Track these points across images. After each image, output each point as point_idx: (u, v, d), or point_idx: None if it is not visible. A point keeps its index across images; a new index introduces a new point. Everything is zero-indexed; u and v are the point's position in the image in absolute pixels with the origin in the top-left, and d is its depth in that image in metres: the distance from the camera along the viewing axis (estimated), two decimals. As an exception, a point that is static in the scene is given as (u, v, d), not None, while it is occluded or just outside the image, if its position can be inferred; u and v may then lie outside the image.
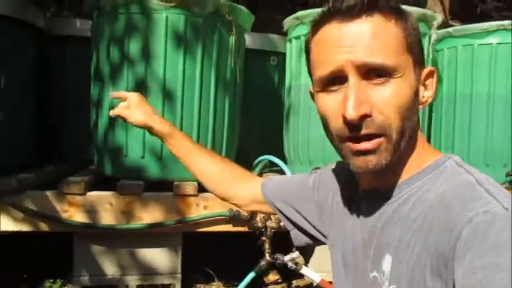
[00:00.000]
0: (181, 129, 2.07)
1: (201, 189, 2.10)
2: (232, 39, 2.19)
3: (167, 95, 2.06)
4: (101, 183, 2.20)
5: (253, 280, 2.09)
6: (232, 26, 2.16)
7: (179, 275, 2.15)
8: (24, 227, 1.97)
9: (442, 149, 2.56)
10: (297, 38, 2.35)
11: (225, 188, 1.09)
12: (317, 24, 0.72)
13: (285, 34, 2.60)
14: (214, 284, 2.33)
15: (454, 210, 0.61)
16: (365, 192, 0.78)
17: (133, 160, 2.08)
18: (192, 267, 2.29)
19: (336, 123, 0.69)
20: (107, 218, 2.01)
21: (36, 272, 2.29)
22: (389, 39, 0.67)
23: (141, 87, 2.05)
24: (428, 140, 2.59)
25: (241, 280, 2.08)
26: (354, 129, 0.67)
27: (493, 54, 2.36)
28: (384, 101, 0.66)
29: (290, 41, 2.44)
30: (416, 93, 0.70)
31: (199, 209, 2.07)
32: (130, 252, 2.10)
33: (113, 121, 2.10)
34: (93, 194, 2.01)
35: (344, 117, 0.66)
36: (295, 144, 2.36)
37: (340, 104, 0.67)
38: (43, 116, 2.63)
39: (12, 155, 2.28)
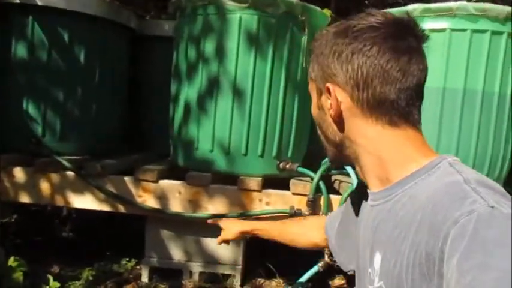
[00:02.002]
0: (248, 127, 2.14)
1: (265, 185, 2.15)
2: (304, 39, 2.21)
3: (237, 93, 2.14)
4: (174, 172, 2.35)
5: (317, 281, 2.08)
6: (304, 25, 2.18)
7: (240, 267, 2.23)
8: (105, 207, 2.18)
9: None
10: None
11: (310, 243, 1.27)
12: None
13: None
14: (275, 280, 2.36)
15: (441, 211, 0.62)
16: (370, 194, 0.83)
17: (203, 153, 2.20)
18: (254, 261, 2.35)
19: None
20: (176, 205, 2.15)
21: (116, 251, 2.51)
22: None
23: (213, 85, 2.16)
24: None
25: (300, 277, 2.08)
26: None
27: None
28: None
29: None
30: (318, 104, 0.84)
31: (261, 204, 2.12)
32: (195, 240, 2.22)
33: (187, 115, 2.23)
34: (164, 182, 2.16)
35: None
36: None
37: None
38: (133, 109, 2.88)
39: (103, 142, 2.55)
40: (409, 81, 0.75)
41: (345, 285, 2.49)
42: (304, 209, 2.07)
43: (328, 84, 0.78)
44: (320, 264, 2.01)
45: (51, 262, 2.40)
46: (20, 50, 2.31)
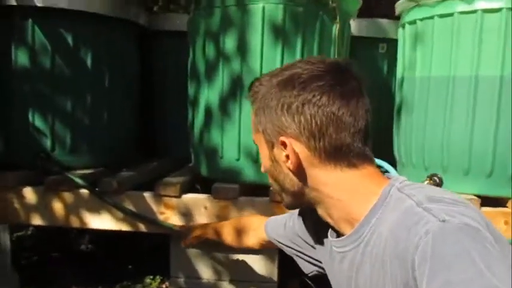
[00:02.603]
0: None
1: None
2: (335, 28, 1.96)
3: (264, 93, 1.91)
4: (197, 183, 2.15)
5: None
6: (335, 13, 1.93)
7: (276, 284, 2.03)
8: (124, 227, 1.98)
9: None
10: (412, 23, 2.04)
11: (242, 245, 1.42)
12: None
13: (396, 18, 2.29)
14: (313, 294, 2.16)
15: (402, 240, 0.64)
16: (337, 241, 0.84)
17: (229, 162, 1.98)
18: (290, 276, 2.16)
19: None
20: (202, 221, 1.94)
21: (139, 268, 2.34)
22: None
23: (237, 85, 1.93)
24: None
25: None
26: None
27: None
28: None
29: (403, 26, 2.13)
30: (271, 156, 0.86)
31: (297, 217, 1.91)
32: (225, 257, 2.02)
33: (208, 121, 2.01)
34: (188, 197, 1.96)
35: None
36: (408, 146, 2.07)
37: None
38: (146, 112, 2.67)
39: (117, 151, 2.34)
40: (360, 123, 0.79)
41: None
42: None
43: (283, 138, 0.80)
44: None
45: (70, 284, 2.23)
46: (21, 57, 2.10)
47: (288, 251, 1.17)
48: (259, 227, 1.28)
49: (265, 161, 0.88)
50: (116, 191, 1.96)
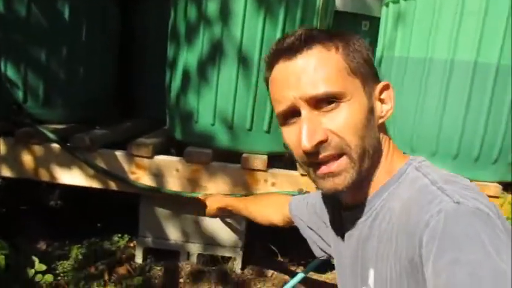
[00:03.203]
0: (254, 99, 1.92)
1: (271, 164, 1.97)
2: (319, 0, 1.95)
3: (243, 61, 1.90)
4: (171, 146, 2.15)
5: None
6: (320, -15, 1.92)
7: (241, 250, 2.08)
8: (95, 184, 1.99)
9: None
10: (395, 2, 2.04)
11: (267, 221, 1.38)
12: (269, 64, 0.77)
13: (381, -3, 2.29)
14: (277, 260, 2.23)
15: (414, 217, 0.63)
16: (345, 212, 0.83)
17: (204, 127, 1.99)
18: (255, 242, 2.21)
19: (298, 152, 0.73)
20: (173, 183, 1.96)
21: (107, 226, 2.35)
22: (330, 68, 0.71)
23: (216, 50, 1.91)
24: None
25: (305, 259, 1.96)
26: (312, 155, 0.71)
27: None
28: (337, 124, 0.70)
29: (387, 4, 2.13)
30: (370, 110, 0.73)
31: (267, 185, 1.94)
32: (194, 220, 2.06)
33: (185, 84, 2.00)
34: (160, 158, 1.96)
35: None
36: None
37: (298, 135, 0.72)
38: (125, 70, 2.62)
39: (92, 107, 2.31)
40: None
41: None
42: (313, 191, 1.90)
43: (387, 82, 0.76)
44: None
45: (38, 237, 2.24)
46: (-5, 3, 2.03)
47: (305, 231, 1.13)
48: (285, 204, 1.23)
49: (358, 114, 0.71)
50: (88, 147, 1.95)
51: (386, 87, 0.77)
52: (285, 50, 0.73)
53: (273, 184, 1.94)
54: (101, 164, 1.95)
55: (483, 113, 1.83)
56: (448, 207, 0.59)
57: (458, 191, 0.62)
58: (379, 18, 2.29)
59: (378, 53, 2.22)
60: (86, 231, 2.28)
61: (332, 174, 0.71)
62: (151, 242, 2.09)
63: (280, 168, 1.98)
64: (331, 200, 0.91)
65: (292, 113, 0.73)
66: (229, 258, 2.09)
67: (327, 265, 1.95)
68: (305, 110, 0.71)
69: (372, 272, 0.75)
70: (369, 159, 0.73)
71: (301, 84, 0.71)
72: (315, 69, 0.71)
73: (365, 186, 0.76)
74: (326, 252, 1.07)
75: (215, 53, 1.92)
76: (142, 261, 2.09)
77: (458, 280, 0.53)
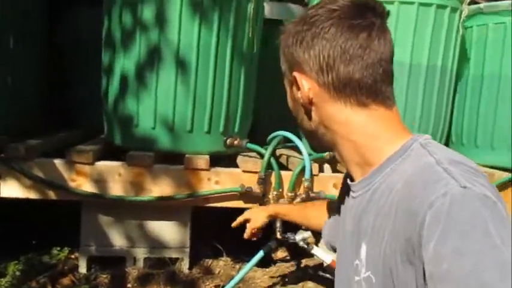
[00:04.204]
0: (193, 101, 1.99)
1: (213, 163, 2.04)
2: (250, 7, 2.07)
3: (181, 65, 1.97)
4: (111, 152, 2.14)
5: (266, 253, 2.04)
6: (251, -7, 2.04)
7: (187, 249, 2.12)
8: (32, 195, 1.93)
9: (464, 133, 2.46)
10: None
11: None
12: None
13: (305, 4, 2.47)
14: (222, 259, 2.29)
15: (416, 195, 0.62)
16: (351, 186, 0.82)
17: (144, 130, 2.02)
18: (201, 241, 2.26)
19: None
20: (116, 188, 1.96)
21: (44, 239, 2.26)
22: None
23: (154, 55, 1.96)
24: (450, 122, 2.48)
25: (250, 256, 2.04)
26: None
27: (526, 33, 2.22)
28: None
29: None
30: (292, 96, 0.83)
31: (210, 184, 2.01)
32: (138, 224, 2.06)
33: (124, 89, 2.02)
34: (101, 164, 1.96)
35: None
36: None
37: None
38: (55, 80, 2.56)
39: (22, 118, 2.23)
40: (372, 57, 0.73)
41: (288, 258, 2.49)
42: (255, 186, 2.00)
43: (295, 73, 0.78)
44: (272, 242, 1.97)
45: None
46: None
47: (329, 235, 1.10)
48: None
49: (289, 102, 0.85)
50: (24, 157, 1.89)
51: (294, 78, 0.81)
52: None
53: (217, 182, 2.01)
54: (39, 174, 1.90)
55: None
56: (455, 190, 0.58)
57: (465, 175, 0.61)
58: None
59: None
60: (21, 246, 2.18)
61: None
62: (94, 250, 2.05)
63: (223, 167, 2.06)
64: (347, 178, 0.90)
65: None
66: (177, 259, 2.12)
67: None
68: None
69: (364, 246, 0.75)
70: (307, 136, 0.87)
71: None
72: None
73: (364, 157, 0.77)
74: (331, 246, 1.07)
75: (153, 57, 1.96)
76: (87, 271, 2.05)
77: (460, 271, 0.53)
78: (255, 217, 1.51)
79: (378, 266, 0.69)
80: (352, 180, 0.81)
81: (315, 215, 1.29)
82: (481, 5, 2.41)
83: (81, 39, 2.54)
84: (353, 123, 0.75)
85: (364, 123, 0.75)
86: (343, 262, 0.85)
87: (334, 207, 1.07)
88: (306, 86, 0.77)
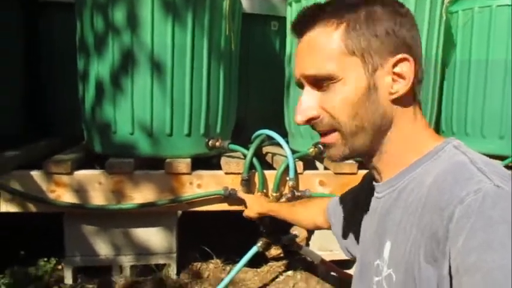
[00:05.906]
0: (171, 104, 1.94)
1: (194, 166, 1.99)
2: (225, 3, 2.01)
3: (156, 67, 1.92)
4: (92, 160, 2.10)
5: (254, 254, 1.99)
6: (225, -11, 1.98)
7: (175, 255, 2.08)
8: (11, 208, 1.89)
9: (453, 118, 2.40)
10: (298, 1, 2.17)
11: (312, 223, 1.27)
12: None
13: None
14: (212, 261, 2.25)
15: (446, 190, 0.61)
16: (376, 187, 0.80)
17: (123, 137, 1.97)
18: (188, 246, 2.22)
19: None
20: (97, 197, 1.92)
21: (31, 251, 2.23)
22: (321, 51, 0.71)
23: (127, 59, 1.91)
24: (439, 109, 2.43)
25: (240, 256, 2.00)
26: (311, 126, 0.76)
27: (512, 16, 2.15)
28: (329, 104, 0.72)
29: (290, 4, 2.25)
30: (369, 88, 0.70)
31: (193, 188, 1.96)
32: (123, 232, 2.02)
33: (100, 95, 1.97)
34: (81, 173, 1.91)
35: None
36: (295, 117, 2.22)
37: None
38: (33, 87, 2.51)
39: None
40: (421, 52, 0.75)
41: (282, 255, 2.46)
42: (239, 188, 1.95)
43: (405, 55, 0.70)
44: (259, 244, 1.93)
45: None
46: None
47: (333, 228, 1.10)
48: (324, 205, 1.20)
49: (353, 91, 0.70)
50: (1, 170, 1.85)
51: (401, 60, 0.71)
52: (297, 29, 0.75)
53: (199, 186, 1.97)
54: (16, 186, 1.86)
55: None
56: (488, 188, 0.58)
57: (498, 176, 0.61)
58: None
59: (287, 51, 2.33)
60: (6, 260, 2.14)
61: (327, 145, 0.75)
62: (79, 260, 2.02)
63: (204, 169, 2.02)
64: (369, 180, 0.87)
65: (302, 85, 0.77)
66: (164, 265, 2.08)
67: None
68: (307, 87, 0.75)
69: (388, 244, 0.73)
70: (367, 135, 0.72)
71: (300, 64, 0.74)
72: (309, 50, 0.72)
73: (388, 161, 0.75)
74: (349, 252, 1.04)
75: (127, 61, 1.91)
76: (73, 281, 2.02)
77: (488, 264, 0.53)
78: (251, 207, 1.66)
79: (400, 264, 0.68)
80: (376, 182, 0.81)
81: (302, 212, 1.32)
82: (466, -12, 2.34)
83: (58, 45, 2.48)
84: (408, 123, 0.74)
85: (413, 124, 0.74)
86: (364, 265, 0.83)
87: (345, 198, 1.07)
88: (411, 78, 0.71)
